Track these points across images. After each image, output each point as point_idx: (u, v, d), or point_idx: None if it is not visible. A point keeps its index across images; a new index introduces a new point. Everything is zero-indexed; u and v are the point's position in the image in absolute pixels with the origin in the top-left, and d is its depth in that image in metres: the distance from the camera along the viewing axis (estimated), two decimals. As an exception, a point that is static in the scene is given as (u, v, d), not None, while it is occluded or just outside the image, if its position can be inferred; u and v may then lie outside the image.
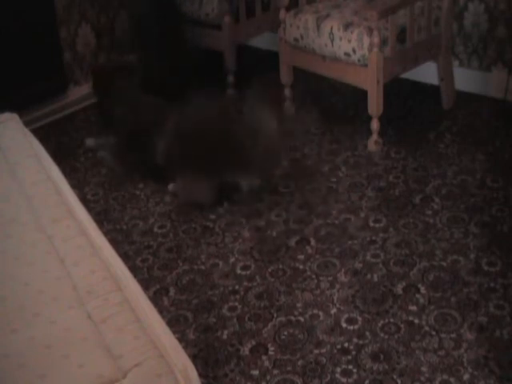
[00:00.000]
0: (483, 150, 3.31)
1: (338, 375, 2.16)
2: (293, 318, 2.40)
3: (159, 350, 1.49)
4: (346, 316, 2.39)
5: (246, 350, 2.28)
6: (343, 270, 2.61)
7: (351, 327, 2.34)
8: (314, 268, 2.63)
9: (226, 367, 2.22)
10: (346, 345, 2.27)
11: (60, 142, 3.69)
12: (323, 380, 2.14)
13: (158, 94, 3.28)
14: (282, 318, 2.40)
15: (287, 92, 3.77)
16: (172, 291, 2.58)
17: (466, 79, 3.82)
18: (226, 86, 4.06)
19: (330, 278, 2.57)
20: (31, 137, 2.50)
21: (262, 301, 2.49)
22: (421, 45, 3.44)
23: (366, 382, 2.12)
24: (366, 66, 3.26)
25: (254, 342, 2.31)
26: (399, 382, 2.11)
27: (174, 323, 2.40)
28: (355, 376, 2.15)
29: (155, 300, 2.50)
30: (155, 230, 2.94)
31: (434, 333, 2.28)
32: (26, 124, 2.68)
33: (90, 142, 3.62)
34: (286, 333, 2.34)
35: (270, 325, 2.38)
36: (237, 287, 2.57)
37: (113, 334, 1.51)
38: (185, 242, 2.84)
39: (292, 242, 2.79)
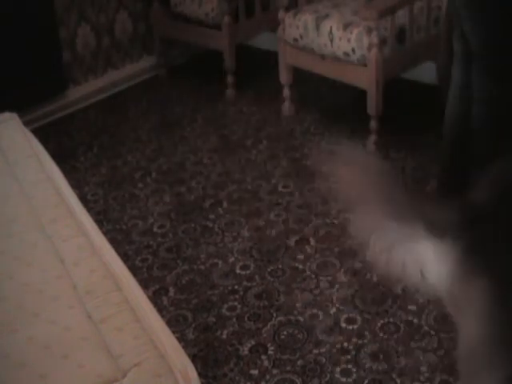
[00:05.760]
0: (482, 150, 3.31)
1: (337, 375, 2.16)
2: (292, 317, 2.41)
3: (159, 350, 1.49)
4: (345, 316, 2.39)
5: (245, 350, 2.28)
6: (343, 270, 2.61)
7: (350, 327, 2.34)
8: (314, 268, 2.64)
9: (225, 367, 2.22)
10: (345, 344, 2.27)
11: (60, 142, 3.69)
12: (322, 380, 2.15)
13: None
14: (282, 318, 2.40)
15: (286, 92, 3.77)
16: (171, 291, 2.58)
17: (465, 79, 3.82)
18: (226, 86, 4.06)
19: (330, 278, 2.58)
20: (31, 137, 2.50)
21: (262, 300, 2.49)
22: (420, 45, 3.44)
23: (366, 381, 2.13)
24: (365, 65, 3.26)
25: (253, 342, 2.31)
26: (398, 381, 2.12)
27: (173, 323, 2.40)
28: (354, 376, 2.15)
29: (155, 300, 2.50)
30: (155, 229, 2.95)
31: (433, 332, 2.28)
32: (26, 124, 2.68)
33: None
34: (285, 332, 2.34)
35: (269, 324, 2.38)
36: (236, 287, 2.57)
37: (112, 334, 1.52)
38: (184, 242, 2.85)
39: (291, 242, 2.79)
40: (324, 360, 2.22)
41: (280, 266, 2.66)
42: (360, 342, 2.28)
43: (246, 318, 2.42)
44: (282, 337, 2.33)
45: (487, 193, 2.04)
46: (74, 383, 1.40)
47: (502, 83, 2.30)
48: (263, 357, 2.25)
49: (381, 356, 2.21)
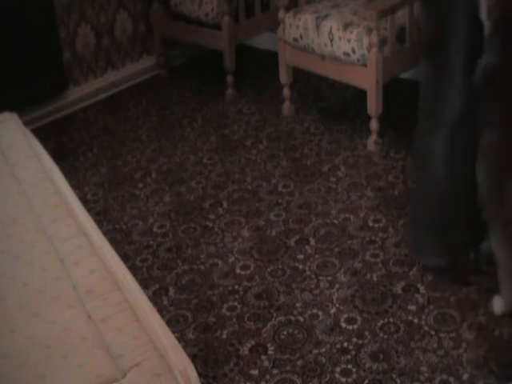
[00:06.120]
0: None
1: (337, 375, 2.16)
2: (292, 317, 2.41)
3: (159, 350, 1.49)
4: (345, 316, 2.39)
5: (245, 350, 2.28)
6: (342, 270, 2.61)
7: (350, 327, 2.34)
8: (314, 268, 2.64)
9: (225, 367, 2.22)
10: (345, 344, 2.27)
11: (60, 142, 3.69)
12: (322, 380, 2.15)
13: None
14: (282, 318, 2.40)
15: (286, 92, 3.77)
16: (171, 291, 2.58)
17: (465, 79, 3.82)
18: (226, 86, 4.06)
19: (330, 278, 2.58)
20: (31, 137, 2.51)
21: (262, 300, 2.49)
22: (420, 44, 3.44)
23: (366, 381, 2.13)
24: (365, 65, 3.26)
25: (253, 342, 2.31)
26: (398, 381, 2.12)
27: (173, 323, 2.40)
28: (354, 376, 2.15)
29: (155, 300, 2.50)
30: (155, 229, 2.95)
31: (433, 332, 2.28)
32: (26, 124, 2.69)
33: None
34: (285, 332, 2.34)
35: (269, 324, 2.38)
36: (236, 287, 2.57)
37: (112, 334, 1.52)
38: (184, 242, 2.85)
39: (291, 242, 2.79)
40: (324, 360, 2.22)
41: (280, 266, 2.66)
42: (360, 342, 2.28)
43: (245, 318, 2.42)
44: (282, 337, 2.33)
45: None
46: (73, 383, 1.40)
47: (440, 77, 2.36)
48: (263, 357, 2.25)
49: (381, 356, 2.21)
